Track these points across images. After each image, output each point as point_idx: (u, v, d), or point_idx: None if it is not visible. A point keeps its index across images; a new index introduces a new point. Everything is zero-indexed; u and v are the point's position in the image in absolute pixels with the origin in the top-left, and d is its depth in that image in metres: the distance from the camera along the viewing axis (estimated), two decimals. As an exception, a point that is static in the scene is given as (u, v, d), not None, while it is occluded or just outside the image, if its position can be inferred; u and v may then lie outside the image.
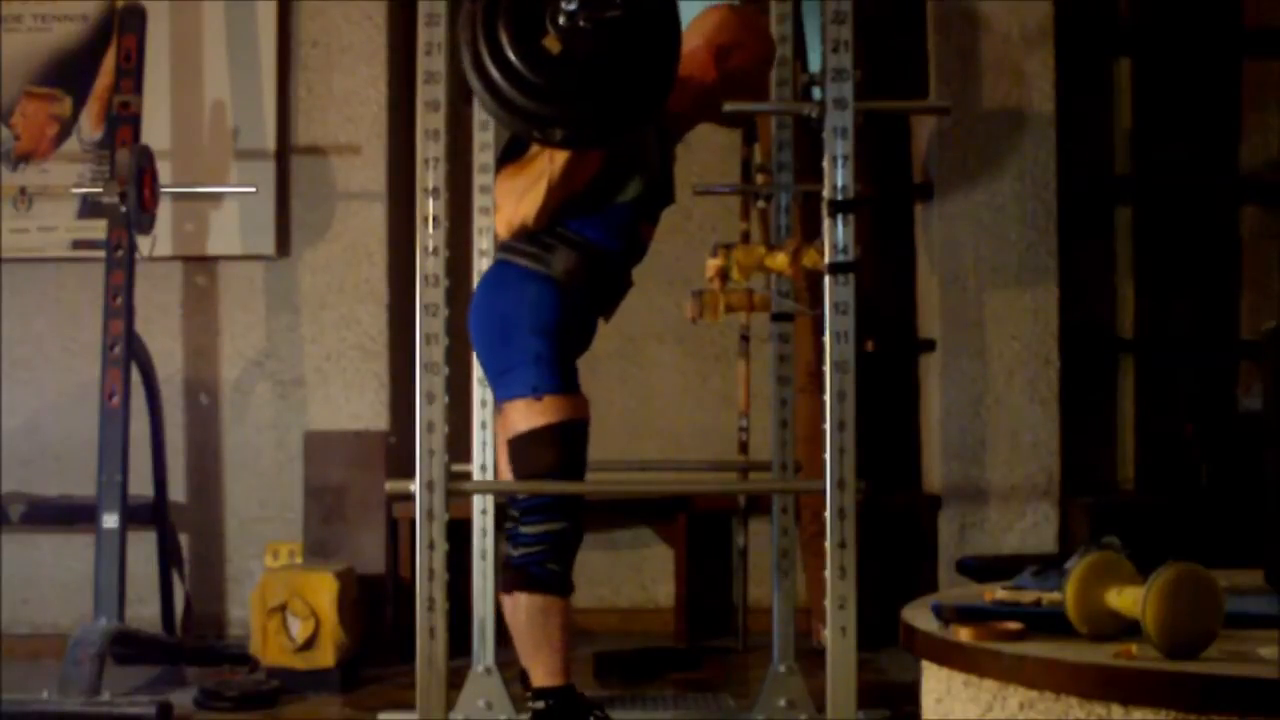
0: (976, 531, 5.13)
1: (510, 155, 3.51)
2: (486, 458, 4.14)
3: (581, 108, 3.08)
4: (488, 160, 4.17)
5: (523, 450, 3.43)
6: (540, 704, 3.43)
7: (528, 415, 3.42)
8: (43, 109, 5.38)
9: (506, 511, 3.52)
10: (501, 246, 3.55)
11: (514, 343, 3.43)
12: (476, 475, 4.12)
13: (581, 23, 3.02)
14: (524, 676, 3.66)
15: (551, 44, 3.02)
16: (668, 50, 3.14)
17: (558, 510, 3.40)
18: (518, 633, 3.44)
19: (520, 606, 3.40)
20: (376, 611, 5.03)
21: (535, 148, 3.36)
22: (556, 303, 3.45)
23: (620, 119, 3.17)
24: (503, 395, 3.49)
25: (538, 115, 3.07)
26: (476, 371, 4.15)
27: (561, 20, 3.02)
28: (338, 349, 5.35)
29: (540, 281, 3.43)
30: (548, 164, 3.30)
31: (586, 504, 3.55)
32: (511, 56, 3.03)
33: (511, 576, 3.46)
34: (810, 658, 4.24)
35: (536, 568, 3.38)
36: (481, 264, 4.15)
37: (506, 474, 3.55)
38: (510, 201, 3.38)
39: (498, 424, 3.70)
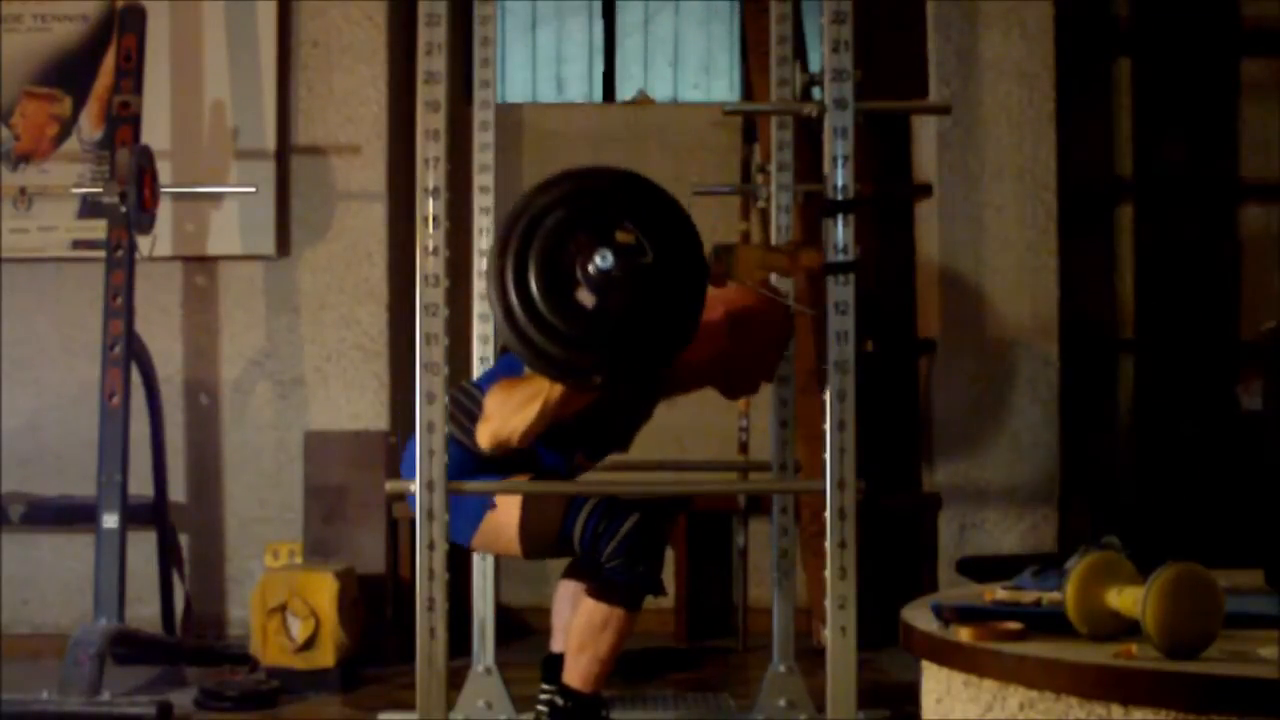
0: (976, 531, 5.13)
1: (506, 365, 3.47)
2: (486, 458, 4.13)
3: (617, 355, 3.09)
4: (488, 160, 4.18)
5: (535, 535, 3.41)
6: (561, 701, 3.43)
7: (504, 522, 3.41)
8: (43, 109, 5.38)
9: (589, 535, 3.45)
10: (449, 401, 3.48)
11: None
12: (476, 475, 4.11)
13: (615, 273, 3.04)
14: (548, 661, 3.67)
15: (586, 298, 3.04)
16: (697, 291, 3.14)
17: (617, 513, 3.36)
18: (574, 623, 3.43)
19: (584, 607, 3.41)
20: (376, 611, 5.03)
21: None
22: (473, 463, 3.42)
23: (654, 362, 3.19)
24: (467, 532, 3.46)
25: (574, 365, 3.09)
26: (476, 371, 4.15)
27: (593, 271, 3.04)
28: (338, 349, 5.35)
29: (460, 446, 3.39)
30: (546, 386, 3.26)
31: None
32: (545, 311, 3.04)
33: (582, 573, 3.43)
34: (810, 658, 4.24)
35: (622, 574, 3.36)
36: (481, 264, 4.15)
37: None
38: (501, 415, 3.33)
39: (484, 544, 3.63)
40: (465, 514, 3.41)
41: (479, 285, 4.14)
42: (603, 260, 3.03)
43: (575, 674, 3.42)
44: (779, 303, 3.68)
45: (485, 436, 3.35)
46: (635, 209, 3.08)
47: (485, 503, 3.42)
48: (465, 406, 3.47)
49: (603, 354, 3.07)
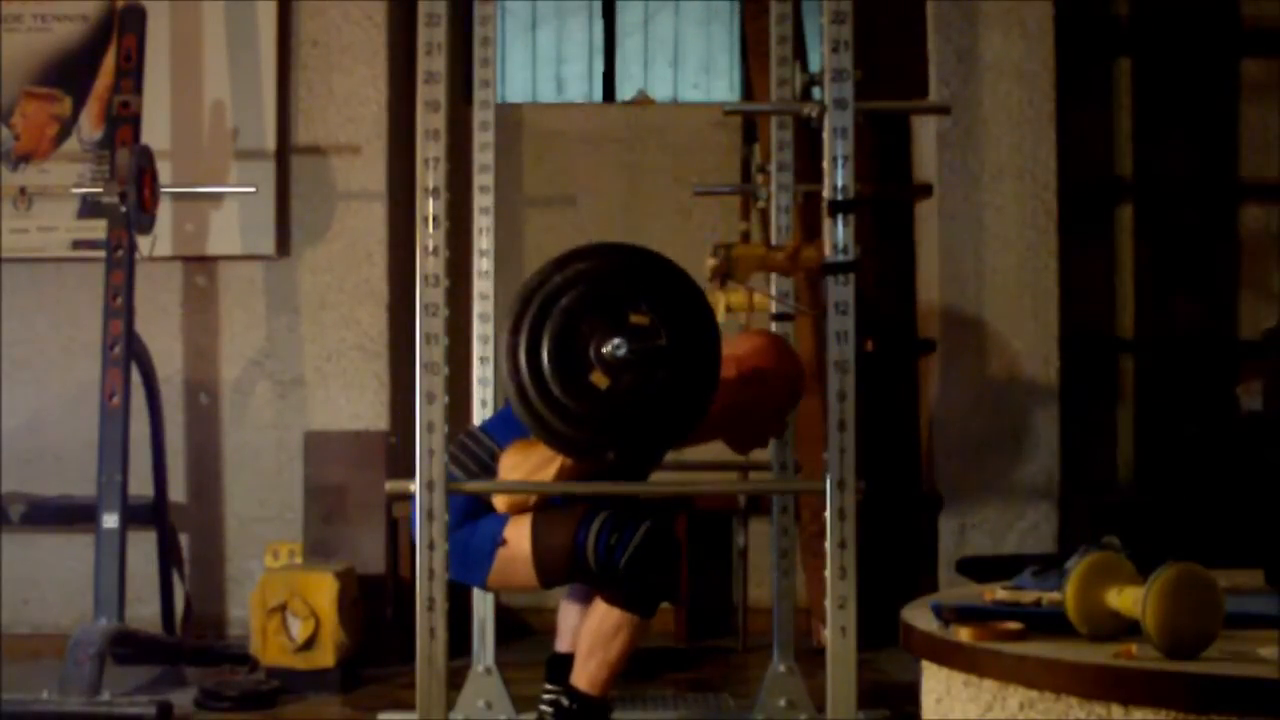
0: (976, 531, 5.12)
1: (516, 425, 3.46)
2: (486, 458, 4.13)
3: (629, 436, 3.14)
4: (488, 160, 4.18)
5: (547, 559, 3.39)
6: (567, 703, 3.43)
7: (515, 554, 3.40)
8: (43, 109, 5.38)
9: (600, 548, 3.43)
10: (456, 446, 3.50)
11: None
12: (476, 475, 4.11)
13: (628, 356, 3.08)
14: (553, 660, 3.66)
15: (599, 380, 3.08)
16: (710, 373, 3.17)
17: (628, 524, 3.34)
18: (586, 626, 3.43)
19: (597, 611, 3.41)
20: (376, 611, 5.03)
21: None
22: (484, 506, 3.44)
23: (666, 443, 3.27)
24: (481, 573, 3.46)
25: (587, 444, 3.14)
26: (476, 372, 4.16)
27: (606, 355, 3.07)
28: (338, 349, 5.35)
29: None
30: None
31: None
32: (557, 392, 3.09)
33: (595, 577, 3.46)
34: (810, 658, 4.24)
35: (638, 583, 3.36)
36: (481, 264, 4.15)
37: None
38: (517, 478, 3.36)
39: (500, 582, 3.60)
40: (477, 555, 3.41)
41: (479, 285, 4.14)
42: (616, 348, 3.08)
43: (584, 677, 3.42)
44: (789, 360, 3.69)
45: (502, 498, 3.39)
46: (650, 290, 3.13)
47: (496, 541, 3.42)
48: (475, 454, 3.50)
49: (614, 434, 3.12)
